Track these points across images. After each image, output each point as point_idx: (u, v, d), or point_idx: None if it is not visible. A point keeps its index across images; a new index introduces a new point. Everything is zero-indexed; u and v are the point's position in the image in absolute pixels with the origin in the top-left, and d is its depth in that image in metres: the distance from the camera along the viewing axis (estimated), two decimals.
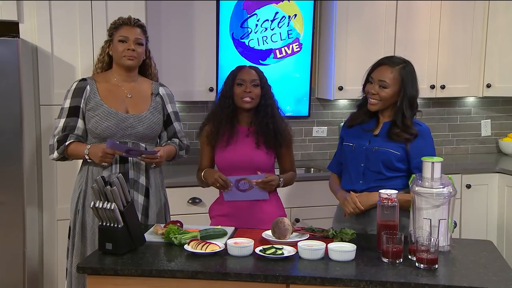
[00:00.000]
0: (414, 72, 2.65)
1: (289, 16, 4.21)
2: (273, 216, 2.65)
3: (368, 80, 2.67)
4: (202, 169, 2.93)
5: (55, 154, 2.75)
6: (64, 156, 2.76)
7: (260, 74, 2.86)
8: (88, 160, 2.71)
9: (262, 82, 2.84)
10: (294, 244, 2.29)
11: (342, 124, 4.38)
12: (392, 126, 2.62)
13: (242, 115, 2.86)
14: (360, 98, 2.77)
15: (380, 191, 2.32)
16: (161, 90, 2.91)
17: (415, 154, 2.56)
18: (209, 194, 3.25)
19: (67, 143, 2.72)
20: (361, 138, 2.69)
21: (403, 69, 2.61)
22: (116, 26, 2.80)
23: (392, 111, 2.64)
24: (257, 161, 2.81)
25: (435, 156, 2.60)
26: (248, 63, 4.09)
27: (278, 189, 2.94)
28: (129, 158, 2.74)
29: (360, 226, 2.67)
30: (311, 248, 2.21)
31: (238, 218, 2.80)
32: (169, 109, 2.92)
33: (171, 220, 2.66)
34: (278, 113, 2.89)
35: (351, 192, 2.64)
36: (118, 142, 2.69)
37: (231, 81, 2.83)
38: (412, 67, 2.66)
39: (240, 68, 2.88)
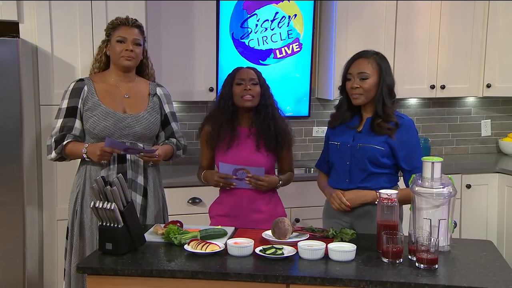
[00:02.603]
0: (387, 60, 2.69)
1: (289, 16, 4.21)
2: (273, 216, 2.65)
3: (346, 78, 2.68)
4: (203, 168, 2.95)
5: (53, 154, 2.75)
6: (62, 156, 2.76)
7: (258, 73, 2.86)
8: (86, 159, 2.71)
9: (261, 81, 2.84)
10: (294, 244, 2.29)
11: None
12: (374, 117, 2.63)
13: (243, 116, 2.85)
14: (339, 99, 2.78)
15: (380, 191, 2.32)
16: (159, 90, 2.92)
17: (401, 146, 2.59)
18: (209, 194, 3.25)
19: (64, 143, 2.71)
20: (346, 136, 2.69)
21: (379, 58, 2.65)
22: (114, 26, 2.80)
23: (373, 104, 2.64)
24: (257, 164, 2.80)
25: (419, 147, 2.66)
26: (248, 63, 4.10)
27: (278, 188, 2.94)
28: (127, 157, 2.74)
29: (347, 224, 2.71)
30: (311, 248, 2.21)
31: (238, 218, 2.80)
32: (167, 109, 2.92)
33: (171, 220, 2.66)
34: (279, 113, 2.88)
35: (336, 189, 2.68)
36: (117, 141, 2.69)
37: (230, 82, 2.82)
38: (385, 57, 2.69)
39: (238, 69, 2.87)
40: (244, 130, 2.84)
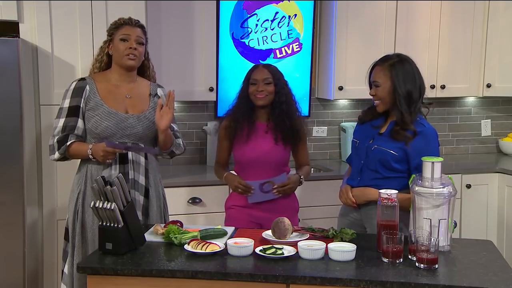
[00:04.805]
0: (409, 67, 2.64)
1: (289, 16, 4.21)
2: (287, 207, 2.91)
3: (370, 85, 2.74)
4: (221, 163, 3.07)
5: (56, 155, 2.74)
6: (65, 156, 2.76)
7: (273, 72, 2.96)
8: (93, 159, 2.71)
9: (275, 79, 2.94)
10: (294, 244, 2.29)
11: (343, 123, 4.42)
12: (395, 124, 2.64)
13: (260, 112, 2.97)
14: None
15: (380, 191, 2.32)
16: (159, 91, 2.91)
17: (415, 154, 2.56)
18: (209, 194, 3.26)
19: (68, 144, 2.71)
20: (366, 136, 2.73)
21: (393, 65, 2.63)
22: (117, 26, 2.79)
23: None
24: (276, 158, 2.94)
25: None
26: (249, 63, 4.10)
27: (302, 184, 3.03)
28: (129, 158, 2.73)
29: (358, 221, 2.74)
30: (311, 248, 2.21)
31: (257, 208, 2.94)
32: None
33: (171, 220, 2.66)
34: (294, 110, 2.99)
35: (347, 184, 2.74)
36: (116, 143, 2.69)
37: (246, 81, 2.96)
38: (407, 63, 2.65)
39: (254, 68, 3.00)
40: (262, 125, 2.97)
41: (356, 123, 2.91)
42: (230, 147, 3.02)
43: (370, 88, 2.73)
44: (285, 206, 2.95)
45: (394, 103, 2.62)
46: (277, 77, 2.95)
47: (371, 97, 2.71)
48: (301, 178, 2.99)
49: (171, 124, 2.93)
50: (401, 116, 2.60)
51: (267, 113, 2.96)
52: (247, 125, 2.94)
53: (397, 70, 2.61)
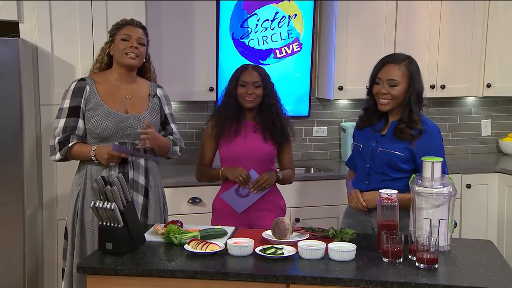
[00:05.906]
0: (417, 65, 2.66)
1: (289, 16, 4.21)
2: (273, 206, 2.89)
3: (374, 82, 2.63)
4: (204, 165, 3.03)
5: (57, 156, 2.74)
6: (66, 157, 2.76)
7: (262, 74, 2.94)
8: (95, 161, 2.71)
9: (264, 83, 2.93)
10: (294, 244, 2.29)
11: (343, 123, 4.42)
12: (399, 122, 2.61)
13: (247, 112, 2.97)
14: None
15: (381, 191, 2.32)
16: (159, 91, 2.92)
17: (420, 153, 2.53)
18: (209, 194, 3.25)
19: (70, 145, 2.71)
20: (369, 139, 2.69)
21: (410, 64, 2.61)
22: (119, 26, 2.81)
23: (401, 109, 2.61)
24: (264, 154, 2.93)
25: (443, 155, 2.59)
26: (249, 63, 4.10)
27: (280, 179, 3.01)
28: (129, 158, 2.74)
29: (367, 223, 2.70)
30: (311, 248, 2.21)
31: (243, 214, 2.91)
32: (166, 110, 2.92)
33: (171, 220, 2.66)
34: (281, 111, 2.98)
35: (355, 188, 2.69)
36: (123, 147, 2.69)
37: (235, 82, 2.93)
38: (415, 61, 2.66)
39: (243, 69, 2.97)
40: (250, 124, 2.97)
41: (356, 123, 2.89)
42: (216, 147, 3.00)
43: (371, 85, 2.65)
44: (269, 205, 2.94)
45: (405, 103, 2.58)
46: (266, 80, 2.95)
47: (382, 94, 2.59)
48: (277, 172, 2.97)
49: (171, 126, 2.92)
50: (410, 114, 2.57)
51: (254, 113, 2.96)
52: (235, 123, 2.93)
53: (414, 69, 2.61)
